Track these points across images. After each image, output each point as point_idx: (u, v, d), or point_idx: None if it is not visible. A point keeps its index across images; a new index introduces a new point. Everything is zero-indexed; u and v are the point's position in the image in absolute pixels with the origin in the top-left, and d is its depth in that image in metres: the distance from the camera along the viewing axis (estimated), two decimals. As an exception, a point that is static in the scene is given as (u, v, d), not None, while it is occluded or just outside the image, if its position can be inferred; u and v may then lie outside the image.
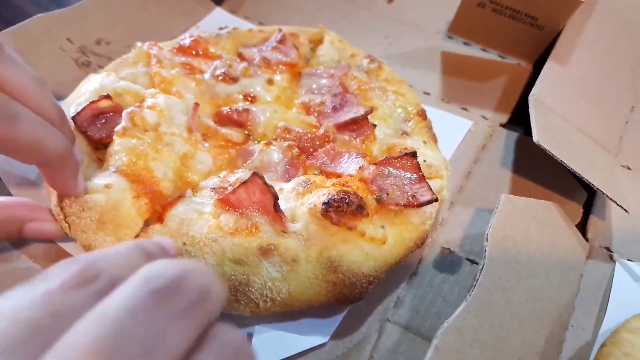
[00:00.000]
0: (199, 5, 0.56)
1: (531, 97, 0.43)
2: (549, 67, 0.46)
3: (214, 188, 0.36)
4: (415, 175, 0.36)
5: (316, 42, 0.46)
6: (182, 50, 0.42)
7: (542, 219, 0.39)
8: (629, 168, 0.45)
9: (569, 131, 0.44)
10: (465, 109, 0.49)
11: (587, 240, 0.41)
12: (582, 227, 0.42)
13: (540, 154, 0.39)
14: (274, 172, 0.37)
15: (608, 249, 0.40)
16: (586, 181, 0.38)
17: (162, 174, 0.35)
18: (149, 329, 0.19)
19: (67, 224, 0.33)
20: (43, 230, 0.36)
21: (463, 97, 0.50)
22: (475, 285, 0.32)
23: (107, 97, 0.37)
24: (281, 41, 0.43)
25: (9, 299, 0.19)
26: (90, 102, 0.37)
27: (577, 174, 0.38)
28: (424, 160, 0.38)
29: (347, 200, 0.32)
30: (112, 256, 0.22)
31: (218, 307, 0.22)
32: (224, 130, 0.40)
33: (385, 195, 0.35)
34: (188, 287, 0.21)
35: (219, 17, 0.55)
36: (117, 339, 0.18)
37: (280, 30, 0.44)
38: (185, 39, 0.43)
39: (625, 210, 0.39)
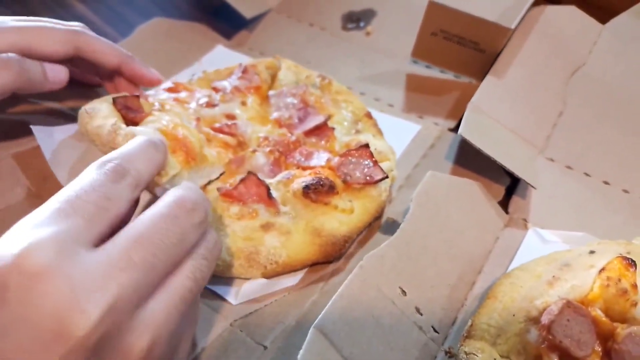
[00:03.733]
0: (210, 40, 0.70)
1: (470, 104, 0.54)
2: (488, 81, 0.57)
3: (218, 188, 0.47)
4: (369, 161, 0.48)
5: (273, 69, 0.58)
6: (170, 90, 0.53)
7: (464, 192, 0.49)
8: (552, 160, 0.55)
9: (498, 130, 0.54)
10: (421, 117, 0.60)
11: (507, 213, 0.51)
12: (505, 205, 0.52)
13: (478, 151, 0.49)
14: (262, 172, 0.49)
15: (525, 220, 0.50)
16: (500, 164, 0.49)
17: (193, 139, 0.46)
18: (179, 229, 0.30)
19: None
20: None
21: (421, 108, 0.61)
22: (397, 229, 0.43)
23: (137, 97, 0.49)
24: (244, 72, 0.55)
25: (62, 191, 0.29)
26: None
27: (494, 160, 0.49)
28: (375, 149, 0.50)
29: (321, 183, 0.45)
30: (133, 155, 0.33)
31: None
32: (221, 136, 0.51)
33: (349, 177, 0.47)
34: (201, 206, 0.32)
35: (220, 52, 0.68)
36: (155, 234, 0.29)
37: (240, 64, 0.57)
38: (168, 83, 0.54)
39: (532, 187, 0.50)
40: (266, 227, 0.44)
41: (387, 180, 0.48)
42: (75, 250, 0.26)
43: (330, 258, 0.45)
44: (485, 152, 0.49)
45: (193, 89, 0.54)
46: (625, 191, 0.52)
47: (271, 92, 0.56)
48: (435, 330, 0.41)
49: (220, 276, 0.44)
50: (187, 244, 0.31)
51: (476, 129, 0.51)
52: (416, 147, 0.56)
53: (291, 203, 0.46)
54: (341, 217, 0.46)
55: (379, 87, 0.64)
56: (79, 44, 0.47)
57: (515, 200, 0.52)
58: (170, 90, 0.53)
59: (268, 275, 0.44)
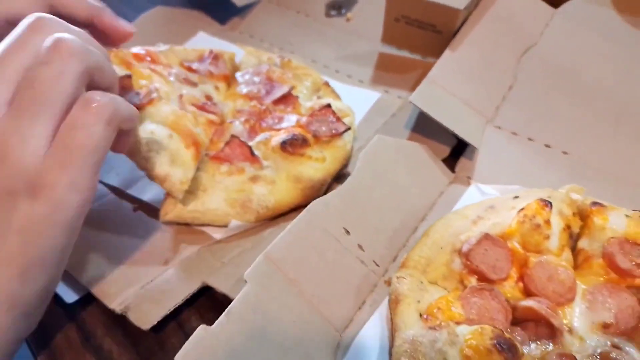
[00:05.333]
0: (207, 25, 0.78)
1: (426, 78, 0.60)
2: (444, 58, 0.63)
3: (207, 154, 0.55)
4: (332, 117, 0.56)
5: (233, 62, 0.65)
6: (137, 57, 0.55)
7: (411, 153, 0.55)
8: (499, 127, 0.60)
9: (450, 100, 0.60)
10: (387, 92, 0.67)
11: (453, 172, 0.56)
12: (452, 166, 0.57)
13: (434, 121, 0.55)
14: (242, 138, 0.56)
15: (469, 177, 0.56)
16: (446, 127, 0.55)
17: (196, 130, 0.52)
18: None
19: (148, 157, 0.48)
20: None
21: (387, 83, 0.68)
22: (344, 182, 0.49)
23: (129, 76, 0.56)
24: (214, 59, 0.62)
25: None
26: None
27: (443, 125, 0.55)
28: (336, 108, 0.58)
29: (295, 137, 0.53)
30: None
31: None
32: (207, 115, 0.57)
33: (318, 132, 0.55)
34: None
35: (201, 38, 0.77)
36: None
37: (211, 51, 0.63)
38: (140, 50, 0.57)
39: (475, 146, 0.55)
40: (253, 179, 0.52)
41: (350, 132, 0.56)
42: None
43: (310, 199, 0.52)
44: (433, 117, 0.55)
45: (164, 62, 0.59)
46: (565, 153, 0.57)
47: (238, 74, 0.63)
48: (376, 264, 0.47)
49: (221, 225, 0.51)
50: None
51: (428, 99, 0.57)
52: (379, 115, 0.63)
53: (272, 158, 0.53)
54: (315, 165, 0.53)
55: (352, 66, 0.71)
56: (51, 1, 0.49)
57: (462, 162, 0.57)
58: (141, 58, 0.56)
59: (261, 219, 0.52)
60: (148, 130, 0.48)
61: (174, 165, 0.48)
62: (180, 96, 0.57)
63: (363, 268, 0.46)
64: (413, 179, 0.53)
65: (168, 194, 0.50)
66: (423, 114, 0.56)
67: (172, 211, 0.50)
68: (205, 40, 0.76)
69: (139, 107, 0.49)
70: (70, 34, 0.38)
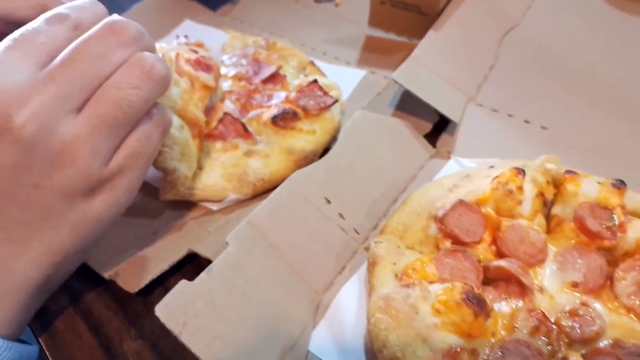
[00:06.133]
0: (200, 13, 0.80)
1: (409, 57, 0.62)
2: (428, 38, 0.65)
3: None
4: (320, 92, 0.58)
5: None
6: None
7: (393, 128, 0.57)
8: (481, 105, 0.62)
9: (432, 79, 0.61)
10: (373, 72, 0.68)
11: (434, 148, 0.58)
12: (434, 142, 0.59)
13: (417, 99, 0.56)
14: (234, 115, 0.58)
15: (449, 152, 0.57)
16: (427, 103, 0.56)
17: (200, 115, 0.53)
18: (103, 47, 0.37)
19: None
20: None
21: (374, 64, 0.69)
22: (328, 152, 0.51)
23: None
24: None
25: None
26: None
27: (422, 101, 0.56)
28: (322, 83, 0.60)
29: (286, 112, 0.55)
30: (78, 6, 0.39)
31: (146, 46, 0.40)
32: (202, 76, 0.58)
33: (306, 106, 0.57)
34: (128, 26, 0.38)
35: (187, 25, 0.79)
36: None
37: (185, 36, 0.66)
38: None
39: (455, 121, 0.57)
40: (248, 154, 0.54)
41: (337, 105, 0.58)
42: (13, 74, 0.34)
43: None
44: (415, 94, 0.56)
45: None
46: (544, 128, 0.59)
47: (224, 57, 0.64)
48: (356, 232, 0.48)
49: (221, 199, 0.53)
50: (113, 61, 0.37)
51: (411, 77, 0.59)
52: (364, 94, 0.64)
53: (264, 133, 0.55)
54: (306, 137, 0.55)
55: (339, 49, 0.72)
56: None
57: (443, 137, 0.59)
58: None
59: (258, 192, 0.53)
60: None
61: (182, 159, 0.49)
62: (177, 55, 0.57)
63: (343, 235, 0.48)
64: (394, 153, 0.55)
65: None
66: (407, 94, 0.58)
67: (171, 190, 0.51)
68: (191, 28, 0.78)
69: None
70: (155, 55, 0.39)
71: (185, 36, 0.67)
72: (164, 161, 0.48)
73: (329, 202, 0.48)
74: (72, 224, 0.37)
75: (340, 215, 0.48)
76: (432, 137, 0.59)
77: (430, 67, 0.62)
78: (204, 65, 0.58)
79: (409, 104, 0.61)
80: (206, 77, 0.58)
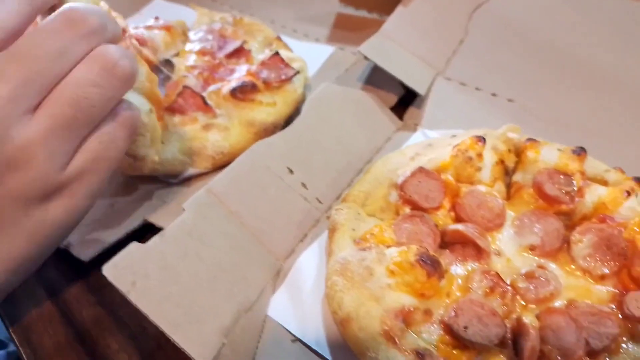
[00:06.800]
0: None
1: (378, 32, 0.62)
2: (397, 13, 0.65)
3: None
4: (282, 65, 0.58)
5: (183, 27, 0.67)
6: None
7: (358, 100, 0.57)
8: (449, 79, 0.62)
9: (400, 52, 0.61)
10: (342, 49, 0.68)
11: (402, 120, 0.58)
12: (402, 116, 0.59)
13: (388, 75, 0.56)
14: (196, 88, 0.58)
15: (416, 124, 0.57)
16: (393, 76, 0.56)
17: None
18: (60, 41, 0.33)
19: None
20: None
21: (343, 41, 0.69)
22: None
23: None
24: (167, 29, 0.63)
25: None
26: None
27: (388, 73, 0.56)
28: (286, 57, 0.59)
29: (245, 84, 0.55)
30: None
31: (111, 37, 0.36)
32: (144, 50, 0.58)
33: (267, 79, 0.56)
34: (91, 17, 0.34)
35: (158, 4, 0.78)
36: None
37: (157, 18, 0.65)
38: None
39: (420, 93, 0.57)
40: (207, 127, 0.54)
41: (300, 77, 0.58)
42: None
43: None
44: (381, 66, 0.56)
45: None
46: (510, 100, 0.59)
47: (190, 32, 0.64)
48: (319, 201, 0.48)
49: (178, 174, 0.52)
50: (71, 57, 0.33)
51: (379, 50, 0.59)
52: (332, 69, 0.65)
53: (224, 106, 0.55)
54: (267, 109, 0.55)
55: (309, 26, 0.72)
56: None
57: (410, 111, 0.59)
58: None
59: (217, 165, 0.53)
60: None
61: (152, 144, 0.48)
62: (124, 30, 0.56)
63: (306, 204, 0.47)
64: (360, 125, 0.55)
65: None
66: (375, 70, 0.58)
67: (130, 166, 0.51)
68: (161, 6, 0.77)
69: None
70: (119, 49, 0.36)
71: (156, 18, 0.66)
72: (135, 149, 0.46)
73: (291, 172, 0.48)
74: (27, 231, 0.35)
75: (303, 185, 0.48)
76: (401, 110, 0.59)
77: (399, 42, 0.62)
78: (141, 39, 0.58)
79: (376, 79, 0.61)
80: (147, 52, 0.58)
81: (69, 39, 0.34)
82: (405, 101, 0.60)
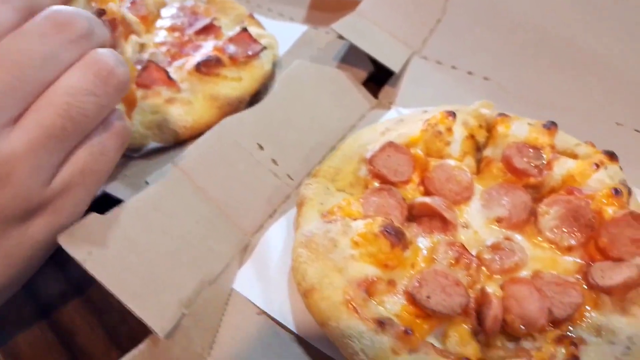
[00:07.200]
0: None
1: (354, 11, 0.61)
2: (373, -9, 0.64)
3: None
4: (249, 41, 0.58)
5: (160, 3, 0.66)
6: None
7: (332, 78, 0.56)
8: (425, 58, 0.62)
9: (375, 31, 0.61)
10: (315, 28, 0.67)
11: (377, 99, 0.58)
12: (377, 94, 0.59)
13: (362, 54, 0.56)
14: (162, 64, 0.57)
15: (390, 102, 0.57)
16: (366, 53, 0.56)
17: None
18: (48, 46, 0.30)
19: None
20: None
21: (318, 21, 0.69)
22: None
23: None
24: (132, 3, 0.62)
25: None
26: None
27: (361, 49, 0.56)
28: (256, 34, 0.59)
29: (209, 58, 0.55)
30: None
31: (101, 42, 0.34)
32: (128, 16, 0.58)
33: (234, 54, 0.56)
34: (79, 21, 0.31)
35: None
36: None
37: None
38: None
39: (394, 71, 0.57)
40: (170, 101, 0.53)
41: (268, 54, 0.58)
42: None
43: None
44: (354, 43, 0.56)
45: None
46: (486, 78, 0.59)
47: (162, 9, 0.64)
48: (290, 178, 0.48)
49: (140, 148, 0.52)
50: (59, 63, 0.31)
51: (353, 29, 0.59)
52: (305, 47, 0.64)
53: (188, 80, 0.55)
54: (232, 84, 0.55)
55: (285, 6, 0.72)
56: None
57: (385, 89, 0.59)
58: None
59: (181, 139, 0.53)
60: None
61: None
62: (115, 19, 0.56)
63: (276, 180, 0.47)
64: (333, 102, 0.54)
65: None
66: (350, 49, 0.57)
67: None
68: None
69: None
70: (113, 54, 0.34)
71: (133, 2, 0.65)
72: None
73: (262, 148, 0.48)
74: (3, 253, 0.32)
75: (274, 161, 0.48)
76: (376, 89, 0.59)
77: (376, 21, 0.62)
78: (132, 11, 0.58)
79: (350, 58, 0.61)
80: (131, 18, 0.57)
81: (57, 43, 0.31)
82: (381, 80, 0.59)
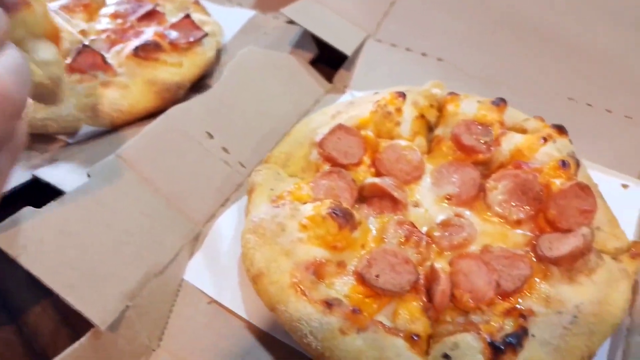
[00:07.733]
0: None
1: (308, -1, 0.61)
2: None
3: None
4: (192, 27, 0.57)
5: None
6: None
7: (283, 64, 0.56)
8: (380, 41, 0.62)
9: (328, 15, 0.60)
10: (264, 13, 0.66)
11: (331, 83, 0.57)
12: (331, 78, 0.58)
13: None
14: (103, 51, 0.55)
15: (345, 86, 0.57)
16: (316, 35, 0.55)
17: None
18: None
19: None
20: None
21: (268, 7, 0.67)
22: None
23: None
24: None
25: None
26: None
27: (312, 33, 0.56)
28: (199, 20, 0.58)
29: (147, 43, 0.54)
30: None
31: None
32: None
33: (175, 40, 0.55)
34: None
35: None
36: None
37: None
38: None
39: (346, 53, 0.56)
40: (105, 84, 0.52)
41: (211, 40, 0.57)
42: None
43: (169, 103, 0.52)
44: (305, 27, 0.56)
45: None
46: (440, 59, 0.59)
47: None
48: (242, 165, 0.48)
49: (74, 132, 0.50)
50: None
51: (304, 13, 0.58)
52: (252, 32, 0.63)
53: (126, 65, 0.54)
54: (171, 69, 0.54)
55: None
56: None
57: (340, 73, 0.58)
58: None
59: (117, 124, 0.52)
60: (42, 61, 0.42)
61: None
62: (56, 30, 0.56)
63: (227, 169, 0.47)
64: (285, 88, 0.54)
65: None
66: (300, 33, 0.57)
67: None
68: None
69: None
70: (7, 63, 0.26)
71: None
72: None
73: (211, 136, 0.47)
74: None
75: (225, 150, 0.47)
76: (330, 73, 0.58)
77: (329, 5, 0.61)
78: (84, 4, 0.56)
79: (301, 43, 0.60)
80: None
81: None
82: (337, 65, 0.59)
